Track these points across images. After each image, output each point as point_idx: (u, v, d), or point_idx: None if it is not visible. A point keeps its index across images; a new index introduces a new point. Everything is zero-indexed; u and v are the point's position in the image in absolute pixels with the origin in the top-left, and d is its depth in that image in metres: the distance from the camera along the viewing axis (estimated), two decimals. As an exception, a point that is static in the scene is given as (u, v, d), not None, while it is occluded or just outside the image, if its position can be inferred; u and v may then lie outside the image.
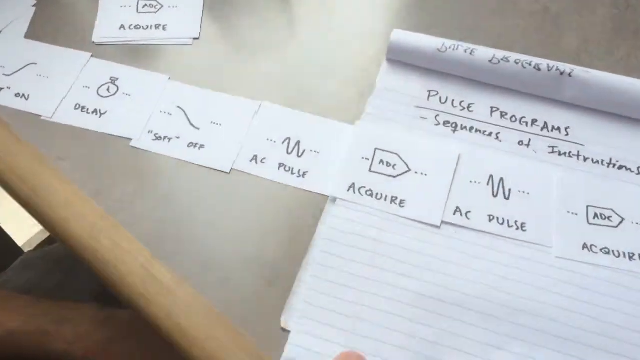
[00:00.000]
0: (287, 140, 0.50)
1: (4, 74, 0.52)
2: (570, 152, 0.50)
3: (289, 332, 0.41)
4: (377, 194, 0.47)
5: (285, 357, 0.40)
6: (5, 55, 0.53)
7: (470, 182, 0.48)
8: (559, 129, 0.51)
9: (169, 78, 0.53)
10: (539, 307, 0.42)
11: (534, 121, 0.51)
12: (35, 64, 0.53)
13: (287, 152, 0.49)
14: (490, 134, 0.50)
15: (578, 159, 0.49)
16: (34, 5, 0.56)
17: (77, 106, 0.51)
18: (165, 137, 0.49)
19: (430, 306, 0.42)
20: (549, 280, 0.43)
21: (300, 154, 0.49)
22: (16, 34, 0.54)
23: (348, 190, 0.47)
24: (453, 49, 0.52)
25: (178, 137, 0.49)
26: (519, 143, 0.50)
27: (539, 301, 0.42)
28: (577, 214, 0.46)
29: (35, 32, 0.55)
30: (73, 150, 0.49)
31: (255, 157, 0.49)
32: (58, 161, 0.48)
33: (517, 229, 0.46)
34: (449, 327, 0.41)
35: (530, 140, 0.50)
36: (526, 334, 0.41)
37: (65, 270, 0.67)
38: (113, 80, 0.52)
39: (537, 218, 0.46)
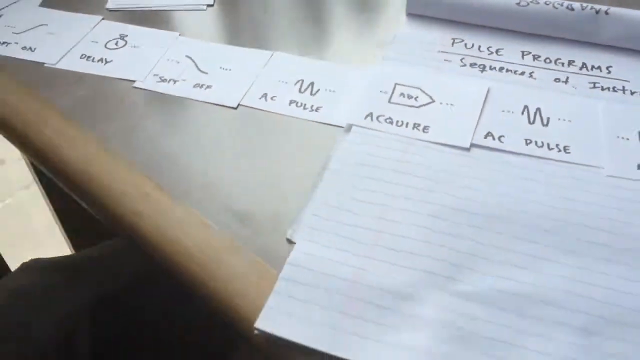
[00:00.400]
0: (300, 82, 0.46)
1: (13, 32, 0.51)
2: (614, 87, 0.44)
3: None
4: (397, 121, 0.42)
5: (289, 262, 0.33)
6: (17, 19, 0.52)
7: (503, 111, 0.43)
8: (599, 68, 0.46)
9: (179, 35, 0.51)
10: (592, 220, 0.35)
11: (570, 62, 0.47)
12: (46, 25, 0.52)
13: (300, 91, 0.45)
14: (522, 73, 0.46)
15: (624, 92, 0.44)
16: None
17: (83, 56, 0.49)
18: (170, 80, 0.46)
19: (464, 219, 0.35)
20: (601, 196, 0.37)
21: (313, 93, 0.45)
22: (31, 3, 0.54)
23: (365, 118, 0.42)
24: (474, -3, 0.50)
25: (184, 80, 0.46)
26: (555, 80, 0.45)
27: (592, 214, 0.35)
28: (628, 139, 0.40)
29: (49, 1, 0.55)
30: (73, 92, 0.46)
31: (264, 95, 0.45)
32: (57, 99, 0.45)
33: (560, 151, 0.40)
34: (488, 239, 0.34)
35: (568, 78, 0.45)
36: (578, 246, 0.34)
37: (30, 310, 0.61)
38: (122, 37, 0.51)
39: (581, 142, 0.40)
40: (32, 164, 0.88)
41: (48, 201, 0.94)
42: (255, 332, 0.32)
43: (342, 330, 0.31)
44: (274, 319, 0.32)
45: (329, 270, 0.33)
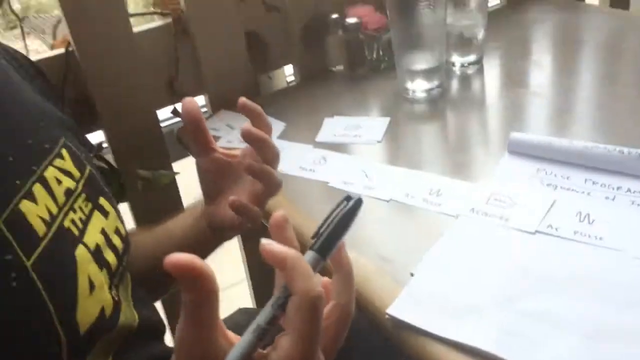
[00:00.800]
0: (431, 188, 0.73)
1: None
2: (648, 204, 0.65)
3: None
4: (490, 214, 0.66)
5: (411, 282, 0.58)
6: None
7: (561, 214, 0.65)
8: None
9: (359, 158, 0.81)
10: (612, 281, 0.56)
11: (619, 187, 0.68)
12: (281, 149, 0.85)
13: (429, 194, 0.72)
14: (582, 192, 0.68)
15: (655, 208, 0.64)
16: (284, 124, 0.92)
17: (300, 167, 0.80)
18: (349, 182, 0.76)
19: (521, 273, 0.58)
20: (622, 268, 0.57)
21: (438, 195, 0.71)
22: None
23: (469, 211, 0.67)
24: (557, 142, 0.74)
25: (357, 183, 0.75)
26: (605, 198, 0.67)
27: (612, 278, 0.56)
28: (648, 236, 0.60)
29: (284, 135, 0.89)
30: (293, 187, 0.77)
31: (407, 194, 0.72)
32: (285, 192, 0.76)
33: (597, 239, 0.61)
34: (534, 285, 0.56)
35: (615, 197, 0.67)
36: (597, 295, 0.55)
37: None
38: (324, 157, 0.82)
39: (614, 235, 0.61)
40: (247, 260, 1.21)
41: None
42: (386, 316, 0.56)
43: (443, 321, 0.54)
44: (398, 310, 0.56)
45: (435, 289, 0.57)
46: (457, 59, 1.02)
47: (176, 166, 1.01)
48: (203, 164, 0.64)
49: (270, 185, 0.61)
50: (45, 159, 0.52)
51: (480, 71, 1.03)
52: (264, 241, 0.38)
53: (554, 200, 0.67)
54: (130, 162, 0.92)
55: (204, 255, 0.74)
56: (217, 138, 0.90)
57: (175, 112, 1.00)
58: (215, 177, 0.65)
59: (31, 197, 0.48)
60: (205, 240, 0.69)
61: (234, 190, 0.63)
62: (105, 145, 0.91)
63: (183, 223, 0.71)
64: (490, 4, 1.37)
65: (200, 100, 1.03)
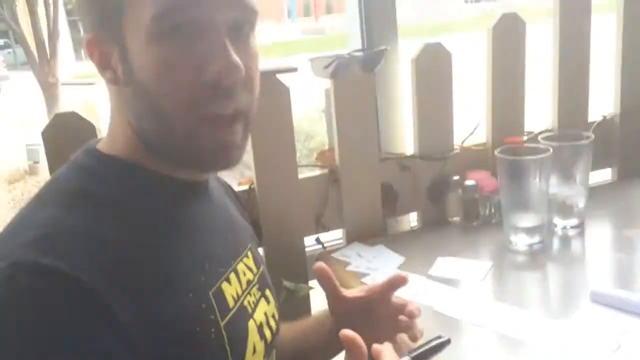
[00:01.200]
0: (519, 321, 0.88)
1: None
2: None
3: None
4: (564, 344, 0.81)
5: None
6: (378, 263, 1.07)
7: (625, 353, 0.78)
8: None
9: (459, 291, 0.99)
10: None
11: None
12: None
13: (517, 325, 0.87)
14: (649, 340, 0.81)
15: None
16: (404, 258, 1.12)
17: (412, 294, 1.00)
18: (450, 309, 0.93)
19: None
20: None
21: (525, 326, 0.87)
22: (393, 265, 1.09)
23: (548, 338, 0.82)
24: (632, 295, 0.88)
25: (454, 310, 0.93)
26: (670, 346, 0.79)
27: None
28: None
29: (402, 267, 1.09)
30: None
31: (497, 323, 0.88)
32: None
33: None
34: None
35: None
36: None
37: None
38: (434, 288, 1.01)
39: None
40: None
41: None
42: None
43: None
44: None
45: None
46: (559, 221, 1.19)
47: (312, 283, 1.24)
48: (336, 309, 0.85)
49: (414, 337, 0.78)
50: (239, 257, 0.77)
51: (581, 234, 1.18)
52: (375, 345, 0.63)
53: (619, 345, 0.80)
54: (278, 275, 1.17)
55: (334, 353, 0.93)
56: (347, 263, 1.13)
57: (317, 241, 1.25)
58: (348, 317, 0.83)
59: (228, 281, 0.72)
60: (330, 348, 0.88)
61: (372, 333, 0.77)
62: (262, 259, 1.18)
63: (315, 332, 0.91)
64: (602, 178, 1.54)
65: (339, 233, 1.28)
